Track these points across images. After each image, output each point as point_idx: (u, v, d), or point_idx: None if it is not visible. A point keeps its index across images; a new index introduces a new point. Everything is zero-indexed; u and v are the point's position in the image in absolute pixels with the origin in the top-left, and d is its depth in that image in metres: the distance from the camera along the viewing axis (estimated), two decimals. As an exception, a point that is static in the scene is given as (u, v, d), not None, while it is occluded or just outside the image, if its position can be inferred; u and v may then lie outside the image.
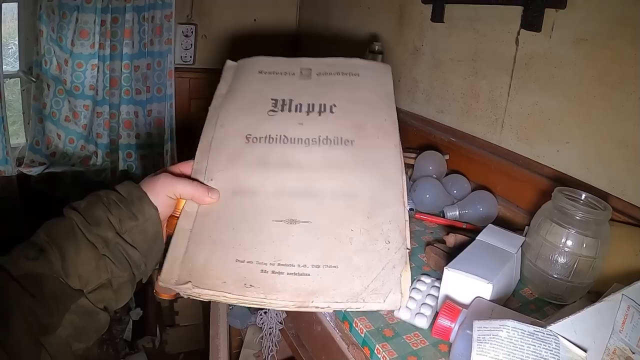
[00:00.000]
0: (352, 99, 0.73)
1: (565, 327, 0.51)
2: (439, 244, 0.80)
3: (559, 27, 0.87)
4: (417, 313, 0.65)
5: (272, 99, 0.73)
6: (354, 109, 0.71)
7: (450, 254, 0.77)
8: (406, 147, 1.20)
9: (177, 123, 1.95)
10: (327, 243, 0.58)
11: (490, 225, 0.77)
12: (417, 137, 1.21)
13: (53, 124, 1.71)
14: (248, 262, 0.55)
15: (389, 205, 0.61)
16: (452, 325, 0.58)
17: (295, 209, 0.61)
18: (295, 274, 0.55)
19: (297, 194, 0.63)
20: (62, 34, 1.60)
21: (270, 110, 0.71)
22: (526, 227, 0.84)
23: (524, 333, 0.49)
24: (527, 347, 0.48)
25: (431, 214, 0.95)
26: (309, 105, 0.72)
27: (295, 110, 0.71)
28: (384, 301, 0.53)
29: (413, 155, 1.11)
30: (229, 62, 0.81)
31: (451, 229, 0.89)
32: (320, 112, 0.71)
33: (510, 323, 0.50)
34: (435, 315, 0.61)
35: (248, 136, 0.68)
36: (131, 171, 1.87)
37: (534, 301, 0.72)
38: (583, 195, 0.72)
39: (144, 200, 0.54)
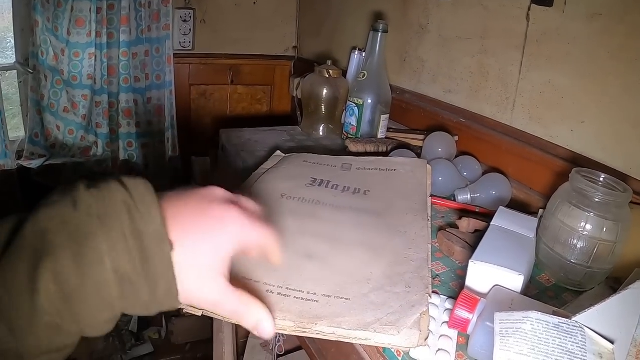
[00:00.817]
0: (386, 186, 0.81)
1: (590, 317, 0.48)
2: (452, 229, 0.78)
3: (572, 2, 0.84)
4: (439, 350, 0.56)
5: (311, 177, 0.81)
6: (387, 193, 0.79)
7: (464, 240, 0.74)
8: (413, 129, 1.17)
9: (178, 110, 1.93)
10: (343, 279, 0.57)
11: (501, 207, 0.75)
12: (424, 119, 1.18)
13: (52, 115, 1.68)
14: (255, 281, 0.55)
15: (413, 261, 0.63)
16: (470, 317, 0.56)
17: (315, 247, 0.62)
18: (302, 299, 0.54)
19: (319, 236, 0.65)
20: (58, 24, 1.56)
21: (308, 184, 0.79)
22: (540, 210, 0.81)
23: (548, 325, 0.47)
24: (553, 340, 0.46)
25: (442, 197, 0.93)
26: (344, 187, 0.79)
27: (332, 188, 0.79)
28: (399, 333, 0.51)
29: (421, 137, 1.08)
30: (278, 152, 0.91)
31: (463, 212, 0.87)
32: (354, 192, 0.78)
33: (534, 315, 0.47)
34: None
35: (283, 194, 0.74)
36: (132, 160, 1.85)
37: (552, 288, 0.70)
38: (602, 177, 0.69)
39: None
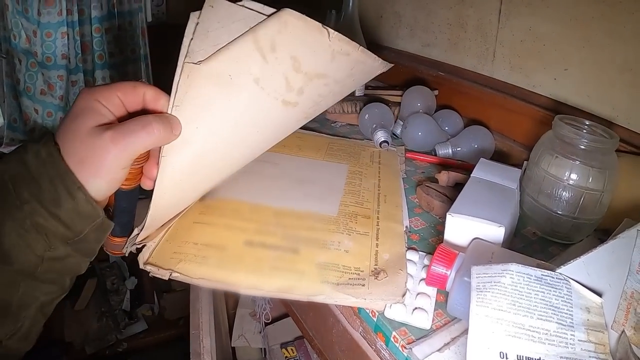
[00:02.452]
0: None
1: (576, 269, 0.45)
2: (431, 184, 0.74)
3: (552, -60, 0.78)
4: (416, 308, 0.52)
5: None
6: None
7: (443, 193, 0.70)
8: (392, 85, 1.13)
9: (155, 84, 1.85)
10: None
11: (482, 159, 0.71)
12: (402, 74, 1.12)
13: (29, 99, 1.62)
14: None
15: None
16: (448, 272, 0.52)
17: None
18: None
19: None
20: (28, 5, 1.49)
21: None
22: (525, 162, 0.78)
23: (530, 278, 0.44)
24: (535, 294, 0.43)
25: (422, 152, 0.89)
26: None
27: None
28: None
29: (399, 93, 1.03)
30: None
31: (444, 167, 0.83)
32: None
33: (514, 267, 0.44)
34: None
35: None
36: None
37: (538, 241, 0.67)
38: (586, 123, 0.65)
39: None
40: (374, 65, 0.58)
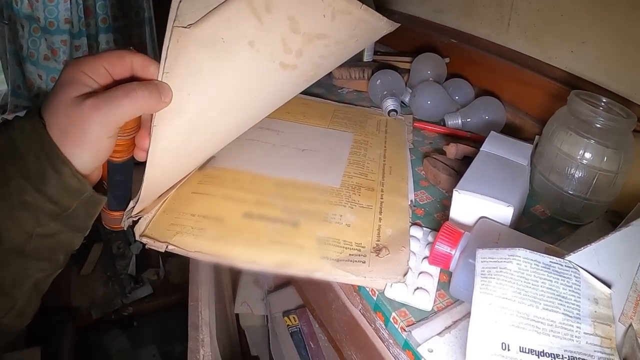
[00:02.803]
0: None
1: (587, 256, 0.43)
2: (438, 155, 0.72)
3: None
4: (417, 288, 0.51)
5: None
6: None
7: (451, 167, 0.68)
8: (402, 52, 1.09)
9: (160, 46, 1.81)
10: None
11: (492, 132, 0.68)
12: (414, 41, 1.08)
13: (32, 64, 1.60)
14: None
15: None
16: (452, 252, 0.50)
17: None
18: None
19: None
20: None
21: None
22: (537, 137, 0.75)
23: (537, 265, 0.42)
24: (542, 282, 0.41)
25: (430, 122, 0.86)
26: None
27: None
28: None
29: (409, 59, 1.00)
30: None
31: (453, 138, 0.80)
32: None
33: (522, 253, 0.42)
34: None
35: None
36: None
37: (547, 220, 0.65)
38: (603, 101, 0.62)
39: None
40: (379, 25, 0.55)
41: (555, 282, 0.41)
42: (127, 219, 0.51)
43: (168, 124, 0.45)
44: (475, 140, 0.80)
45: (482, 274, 0.42)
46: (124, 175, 0.48)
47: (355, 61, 1.00)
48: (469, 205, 0.55)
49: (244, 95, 0.50)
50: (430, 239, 0.58)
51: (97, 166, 0.43)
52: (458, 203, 0.55)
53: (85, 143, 0.40)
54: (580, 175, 0.60)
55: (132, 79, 0.44)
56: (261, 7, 0.44)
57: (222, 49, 0.44)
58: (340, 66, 0.94)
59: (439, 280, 0.53)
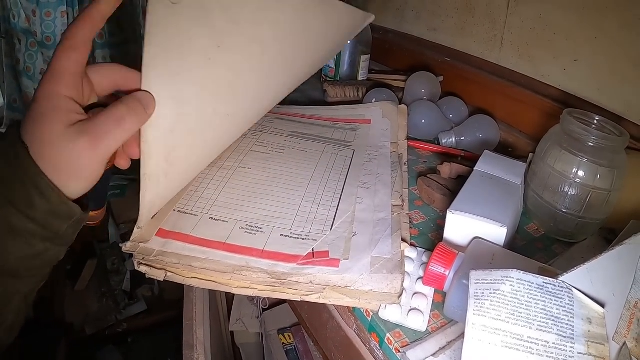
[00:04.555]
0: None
1: (580, 276, 0.43)
2: (433, 175, 0.72)
3: None
4: (412, 309, 0.51)
5: None
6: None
7: (445, 186, 0.68)
8: (396, 70, 1.10)
9: None
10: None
11: (486, 151, 0.68)
12: (408, 59, 1.09)
13: (29, 79, 1.59)
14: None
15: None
16: (447, 273, 0.50)
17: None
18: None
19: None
20: None
21: None
22: (530, 155, 0.75)
23: (531, 286, 0.42)
24: (535, 303, 0.41)
25: (424, 140, 0.86)
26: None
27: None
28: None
29: (403, 77, 1.00)
30: None
31: (447, 157, 0.80)
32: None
33: (515, 274, 0.42)
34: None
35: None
36: None
37: (541, 239, 0.65)
38: (596, 119, 0.63)
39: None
40: (355, 17, 0.56)
41: (548, 302, 0.41)
42: (130, 245, 0.52)
43: (160, 136, 0.45)
44: (469, 159, 0.80)
45: (475, 296, 0.42)
46: (102, 182, 0.48)
47: (350, 80, 1.01)
48: (463, 225, 0.55)
49: (226, 96, 0.51)
50: (424, 259, 0.58)
51: (89, 189, 0.43)
52: (452, 223, 0.55)
53: (80, 177, 0.40)
54: (573, 193, 0.61)
55: (115, 90, 0.44)
56: None
57: (197, 52, 0.46)
58: (335, 85, 0.95)
59: (433, 300, 0.53)
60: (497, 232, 0.53)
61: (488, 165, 0.65)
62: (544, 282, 0.42)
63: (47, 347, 1.39)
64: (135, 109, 0.42)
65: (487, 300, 0.41)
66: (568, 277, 0.42)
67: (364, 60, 1.01)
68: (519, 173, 0.64)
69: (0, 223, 0.37)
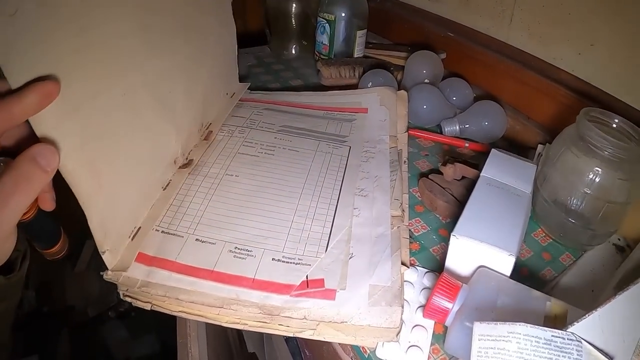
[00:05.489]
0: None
1: (590, 325, 0.39)
2: (435, 176, 0.67)
3: None
4: (410, 346, 0.48)
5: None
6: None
7: (449, 190, 0.64)
8: (395, 43, 1.02)
9: None
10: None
11: (493, 151, 0.64)
12: (407, 32, 1.02)
13: None
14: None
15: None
16: (450, 306, 0.47)
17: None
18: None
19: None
20: None
21: None
22: (539, 146, 0.71)
23: (538, 342, 0.38)
24: (542, 360, 0.38)
25: (425, 129, 0.81)
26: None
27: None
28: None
29: (403, 54, 0.94)
30: None
31: (450, 151, 0.76)
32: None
33: (522, 329, 0.38)
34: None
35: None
36: None
37: (548, 247, 0.61)
38: (615, 120, 0.57)
39: None
40: None
41: (555, 359, 0.38)
42: (110, 274, 0.49)
43: (73, 161, 0.41)
44: (474, 150, 0.75)
45: (478, 355, 0.39)
46: (40, 223, 0.43)
47: (345, 57, 0.94)
48: (467, 250, 0.51)
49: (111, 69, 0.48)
50: (425, 282, 0.55)
51: (8, 254, 0.38)
52: (456, 248, 0.51)
53: None
54: (586, 205, 0.56)
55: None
56: None
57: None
58: (329, 64, 0.89)
59: (433, 332, 0.50)
60: (504, 261, 0.49)
61: (496, 169, 0.60)
62: (552, 336, 0.39)
63: (48, 338, 1.39)
64: (40, 166, 0.35)
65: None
66: (578, 327, 0.39)
67: (360, 36, 0.93)
68: (529, 178, 0.60)
69: None
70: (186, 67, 0.65)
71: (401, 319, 0.48)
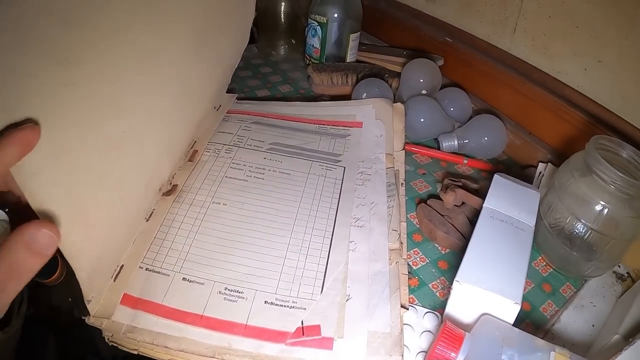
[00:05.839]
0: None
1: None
2: (434, 202, 0.64)
3: None
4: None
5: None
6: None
7: (449, 219, 0.61)
8: (391, 46, 0.98)
9: None
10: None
11: (496, 177, 0.61)
12: (402, 34, 0.97)
13: None
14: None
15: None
16: (454, 357, 0.45)
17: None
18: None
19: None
20: None
21: None
22: (540, 164, 0.68)
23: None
24: None
25: (422, 143, 0.78)
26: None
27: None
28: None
29: (399, 59, 0.89)
30: None
31: (449, 172, 0.73)
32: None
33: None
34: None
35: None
36: None
37: (549, 278, 0.59)
38: (625, 151, 0.54)
39: None
40: None
41: None
42: (93, 320, 0.47)
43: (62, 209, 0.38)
44: (473, 167, 0.73)
45: None
46: None
47: (337, 62, 0.89)
48: (470, 296, 0.48)
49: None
50: (425, 324, 0.52)
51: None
52: (459, 294, 0.49)
53: None
54: (591, 239, 0.54)
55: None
56: None
57: None
58: (320, 70, 0.85)
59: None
60: (509, 309, 0.47)
61: (499, 197, 0.57)
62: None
63: (35, 347, 1.35)
64: (31, 247, 0.32)
65: None
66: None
67: (354, 39, 0.89)
68: (533, 208, 0.57)
69: None
70: (194, 91, 0.60)
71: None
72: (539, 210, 0.59)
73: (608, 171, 0.51)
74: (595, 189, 0.53)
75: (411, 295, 0.55)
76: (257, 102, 0.81)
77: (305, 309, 0.50)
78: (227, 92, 0.79)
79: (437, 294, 0.55)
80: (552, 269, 0.60)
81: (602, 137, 0.55)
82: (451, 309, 0.50)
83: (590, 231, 0.54)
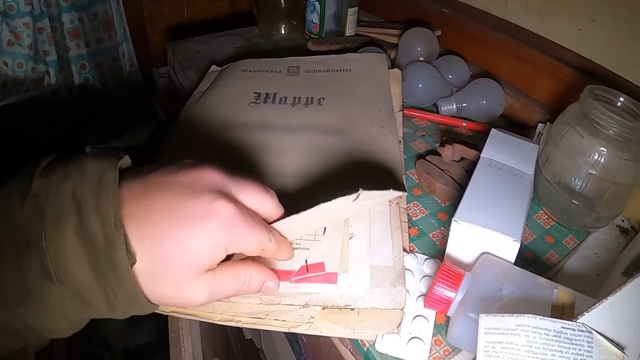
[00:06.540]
0: (343, 92, 0.70)
1: (601, 314, 0.37)
2: (433, 157, 0.65)
3: None
4: (411, 338, 0.46)
5: (254, 92, 0.70)
6: (345, 101, 0.69)
7: (447, 172, 0.62)
8: (388, 21, 0.99)
9: (129, 21, 1.77)
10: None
11: (493, 131, 0.61)
12: (400, 9, 0.98)
13: None
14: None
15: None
16: (453, 296, 0.45)
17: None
18: None
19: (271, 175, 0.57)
20: None
21: (252, 102, 0.69)
22: (539, 125, 0.68)
23: (548, 334, 0.36)
24: (552, 354, 0.36)
25: (421, 108, 0.78)
26: (294, 97, 0.69)
27: (280, 103, 0.69)
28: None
29: (396, 32, 0.90)
30: (213, 67, 0.81)
31: (447, 131, 0.73)
32: (307, 104, 0.68)
33: (530, 321, 0.37)
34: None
35: (224, 124, 0.64)
36: (88, 83, 1.74)
37: (551, 231, 0.59)
38: (620, 99, 0.55)
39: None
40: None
41: (566, 352, 0.36)
42: None
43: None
44: (472, 130, 0.73)
45: (485, 350, 0.37)
46: None
47: (337, 35, 0.91)
48: (469, 236, 0.48)
49: None
50: (425, 269, 0.52)
51: None
52: (457, 234, 0.49)
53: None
54: (591, 187, 0.54)
55: None
56: None
57: None
58: (319, 43, 0.86)
59: (435, 322, 0.48)
60: (508, 247, 0.47)
61: (496, 149, 0.58)
62: (562, 327, 0.37)
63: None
64: (249, 287, 0.41)
65: (499, 357, 0.36)
66: (588, 317, 0.37)
67: (352, 14, 0.90)
68: (531, 158, 0.57)
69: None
70: None
71: (405, 298, 0.46)
72: (537, 163, 0.59)
73: (604, 115, 0.51)
74: (592, 135, 0.53)
75: (411, 244, 0.55)
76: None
77: (308, 249, 0.51)
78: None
79: (437, 243, 0.56)
80: (554, 222, 0.60)
81: (597, 87, 0.56)
82: (451, 250, 0.50)
83: (589, 177, 0.54)
